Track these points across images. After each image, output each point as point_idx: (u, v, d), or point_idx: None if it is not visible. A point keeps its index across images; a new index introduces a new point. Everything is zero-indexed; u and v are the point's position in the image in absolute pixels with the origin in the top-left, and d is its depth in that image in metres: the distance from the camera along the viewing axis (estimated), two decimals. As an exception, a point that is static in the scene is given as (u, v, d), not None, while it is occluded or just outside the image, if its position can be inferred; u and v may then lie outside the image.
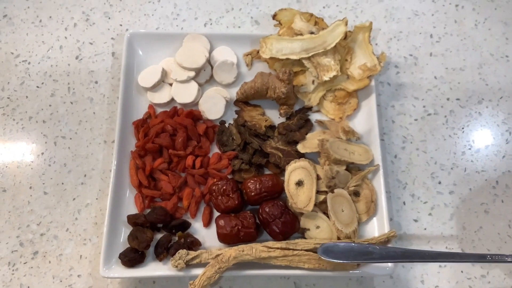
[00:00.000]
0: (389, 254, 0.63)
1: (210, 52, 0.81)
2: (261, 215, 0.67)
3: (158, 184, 0.73)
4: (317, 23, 0.81)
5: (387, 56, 0.83)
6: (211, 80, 0.81)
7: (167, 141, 0.73)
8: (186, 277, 0.68)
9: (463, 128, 0.80)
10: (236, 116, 0.78)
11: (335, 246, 0.64)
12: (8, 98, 0.81)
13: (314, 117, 0.78)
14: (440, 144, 0.79)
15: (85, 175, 0.76)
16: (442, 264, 0.71)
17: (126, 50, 0.78)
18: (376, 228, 0.70)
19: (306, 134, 0.76)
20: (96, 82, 0.83)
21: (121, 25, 0.87)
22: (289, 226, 0.67)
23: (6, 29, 0.87)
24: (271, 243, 0.65)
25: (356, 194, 0.71)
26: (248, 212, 0.69)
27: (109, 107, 0.81)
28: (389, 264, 0.65)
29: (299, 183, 0.69)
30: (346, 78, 0.78)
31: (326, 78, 0.75)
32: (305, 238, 0.68)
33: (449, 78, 0.84)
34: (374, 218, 0.71)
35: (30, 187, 0.76)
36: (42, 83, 0.83)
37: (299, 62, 0.77)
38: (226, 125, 0.77)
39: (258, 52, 0.80)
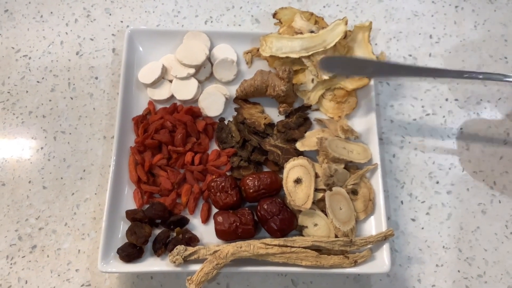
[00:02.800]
0: (383, 69, 0.66)
1: (210, 50, 0.81)
2: (259, 212, 0.68)
3: (157, 180, 0.73)
4: (317, 22, 0.81)
5: (387, 56, 0.83)
6: (211, 77, 0.81)
7: (167, 138, 0.73)
8: (183, 273, 0.68)
9: (461, 129, 0.81)
10: (235, 113, 0.78)
11: (334, 59, 0.66)
12: (9, 92, 0.81)
13: (313, 115, 0.78)
14: (439, 144, 0.79)
15: (84, 170, 0.76)
16: (439, 262, 0.71)
17: (127, 46, 0.78)
18: (373, 227, 0.70)
19: (305, 132, 0.76)
20: (96, 78, 0.83)
21: (122, 21, 0.88)
22: (287, 223, 0.67)
23: (7, 24, 0.87)
24: (269, 240, 0.65)
25: (354, 192, 0.71)
26: (246, 209, 0.69)
27: (109, 102, 0.81)
28: (386, 262, 0.66)
29: (298, 181, 0.69)
30: (346, 77, 0.78)
31: (325, 76, 0.75)
32: (303, 235, 0.68)
33: (448, 79, 0.84)
34: (372, 217, 0.71)
35: (29, 182, 0.76)
36: (43, 78, 0.83)
37: (299, 60, 0.78)
38: (226, 122, 0.77)
39: (258, 50, 0.80)
